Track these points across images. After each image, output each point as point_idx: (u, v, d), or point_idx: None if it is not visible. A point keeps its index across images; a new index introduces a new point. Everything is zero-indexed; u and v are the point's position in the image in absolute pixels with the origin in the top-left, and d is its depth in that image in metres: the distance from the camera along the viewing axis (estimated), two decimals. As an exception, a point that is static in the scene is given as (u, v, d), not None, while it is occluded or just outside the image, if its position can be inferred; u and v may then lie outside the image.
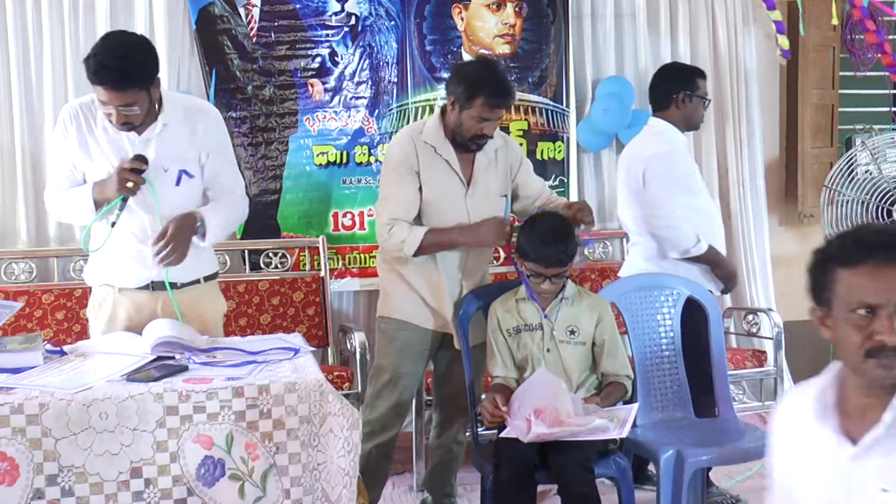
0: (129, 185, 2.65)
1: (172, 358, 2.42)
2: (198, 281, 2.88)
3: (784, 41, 4.63)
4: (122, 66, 2.56)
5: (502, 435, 2.79)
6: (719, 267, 3.61)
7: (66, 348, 2.58)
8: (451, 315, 3.19)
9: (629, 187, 3.63)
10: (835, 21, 4.54)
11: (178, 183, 2.79)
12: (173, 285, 2.78)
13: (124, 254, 2.79)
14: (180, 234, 2.68)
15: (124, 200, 2.68)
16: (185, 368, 2.33)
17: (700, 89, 3.67)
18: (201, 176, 2.85)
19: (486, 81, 3.04)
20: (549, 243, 2.94)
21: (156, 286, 2.81)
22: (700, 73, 3.76)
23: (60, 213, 2.90)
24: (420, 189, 3.12)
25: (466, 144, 3.13)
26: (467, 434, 3.41)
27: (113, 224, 2.68)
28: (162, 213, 2.71)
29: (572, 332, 3.03)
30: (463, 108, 3.07)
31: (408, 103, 4.52)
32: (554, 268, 2.96)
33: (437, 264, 3.16)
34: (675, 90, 3.63)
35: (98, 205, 2.72)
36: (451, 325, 3.20)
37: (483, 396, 3.14)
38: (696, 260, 3.56)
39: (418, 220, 3.15)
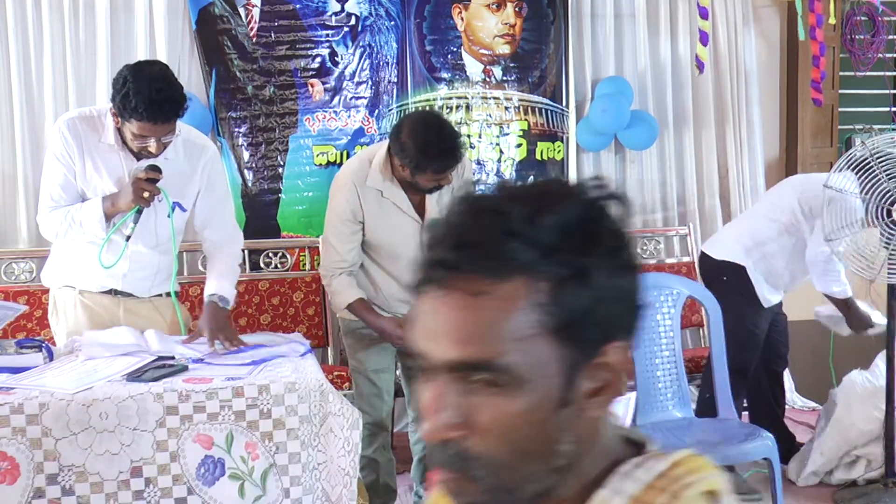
0: (146, 195, 2.61)
1: (172, 358, 2.43)
2: (159, 295, 2.89)
3: (703, 53, 4.56)
4: (171, 97, 2.52)
5: None
6: (852, 315, 3.64)
7: (74, 339, 2.60)
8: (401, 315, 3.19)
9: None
10: (832, 20, 4.53)
11: (170, 214, 2.77)
12: (133, 296, 2.81)
13: (90, 257, 2.73)
14: (219, 326, 2.69)
15: (138, 212, 2.64)
16: (185, 368, 2.33)
17: None
18: (192, 210, 2.88)
19: (431, 153, 2.87)
20: None
21: (117, 292, 2.81)
22: None
23: (62, 229, 2.73)
24: (364, 229, 3.08)
25: (425, 191, 3.05)
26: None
27: (128, 238, 2.65)
28: (147, 242, 2.75)
29: None
30: (414, 173, 2.95)
31: (408, 103, 4.52)
32: None
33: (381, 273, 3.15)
34: None
35: (108, 218, 2.67)
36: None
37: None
38: (832, 301, 3.63)
39: (371, 254, 3.14)
